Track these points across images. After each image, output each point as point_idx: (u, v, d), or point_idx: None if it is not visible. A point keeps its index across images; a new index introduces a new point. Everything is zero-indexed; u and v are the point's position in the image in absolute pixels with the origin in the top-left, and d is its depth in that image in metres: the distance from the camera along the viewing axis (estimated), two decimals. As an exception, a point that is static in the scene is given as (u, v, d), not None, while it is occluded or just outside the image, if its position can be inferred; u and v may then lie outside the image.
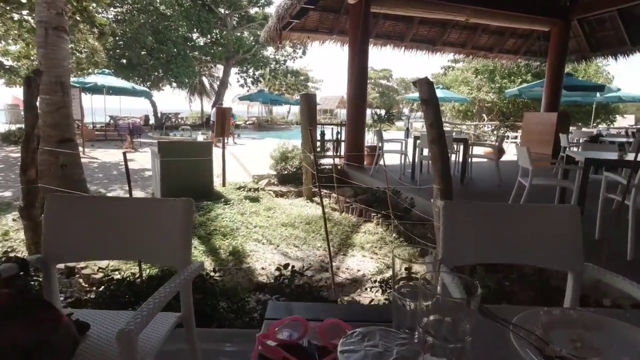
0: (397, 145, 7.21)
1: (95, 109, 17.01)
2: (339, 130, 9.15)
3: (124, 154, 3.05)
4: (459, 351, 0.56)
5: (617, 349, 0.68)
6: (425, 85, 3.44)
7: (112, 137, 14.23)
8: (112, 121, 16.53)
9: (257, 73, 25.76)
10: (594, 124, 18.21)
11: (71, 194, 1.42)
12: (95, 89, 14.27)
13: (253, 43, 23.34)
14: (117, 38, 17.68)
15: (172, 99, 29.94)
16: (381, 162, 5.76)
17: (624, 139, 8.16)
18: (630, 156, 4.12)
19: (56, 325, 1.11)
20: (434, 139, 3.48)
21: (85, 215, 1.37)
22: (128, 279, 2.40)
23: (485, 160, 8.20)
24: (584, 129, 13.84)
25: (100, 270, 2.77)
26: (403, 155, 7.12)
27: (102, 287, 2.41)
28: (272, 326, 0.65)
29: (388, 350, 0.40)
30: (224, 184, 6.89)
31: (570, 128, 11.03)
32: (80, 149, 10.79)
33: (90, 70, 15.33)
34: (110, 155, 10.73)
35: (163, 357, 1.87)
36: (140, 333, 1.01)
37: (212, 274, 2.81)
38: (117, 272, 2.68)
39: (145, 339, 1.22)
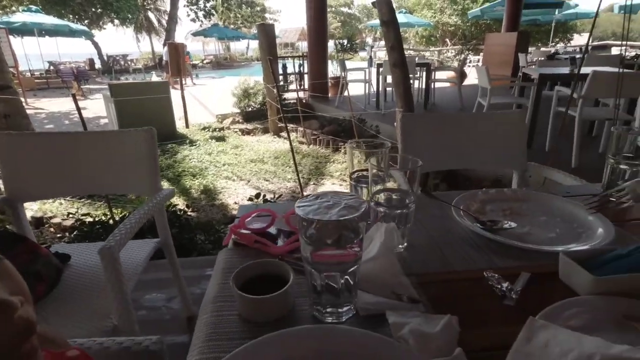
0: (360, 74, 7.11)
1: (29, 55, 15.31)
2: (302, 63, 8.84)
3: (74, 95, 2.87)
4: (405, 216, 0.65)
5: (539, 212, 0.80)
6: (385, 6, 3.34)
7: (56, 84, 13.06)
8: (51, 67, 15.03)
9: (208, 5, 23.66)
10: (552, 43, 18.48)
11: (25, 132, 1.37)
12: (25, 30, 12.68)
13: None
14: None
15: (118, 40, 27.37)
16: (345, 93, 5.72)
17: (579, 56, 8.41)
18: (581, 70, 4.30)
19: (35, 254, 1.14)
20: (396, 62, 3.48)
21: (45, 152, 1.34)
22: (100, 219, 2.41)
23: (448, 85, 8.30)
24: (542, 49, 14.06)
25: (70, 215, 2.75)
26: (367, 84, 7.07)
27: (75, 231, 2.42)
28: (242, 217, 0.72)
29: (337, 203, 0.47)
30: (187, 125, 6.68)
31: (530, 48, 11.16)
32: (22, 99, 9.95)
33: (14, 8, 13.53)
34: (57, 104, 9.96)
35: (148, 285, 1.98)
36: (121, 251, 1.07)
37: (185, 209, 2.86)
38: (87, 217, 2.67)
39: (127, 262, 1.28)
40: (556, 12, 13.34)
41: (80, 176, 1.38)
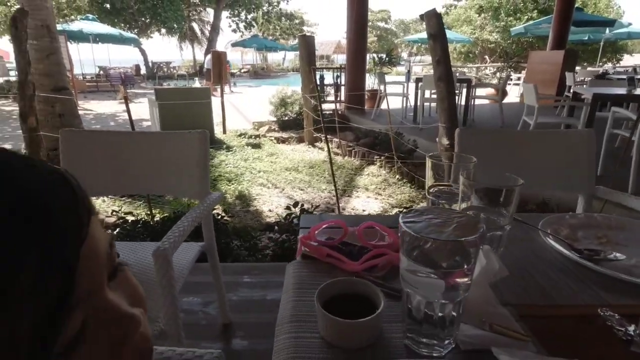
0: (398, 88, 7.04)
1: (83, 61, 16.34)
2: (339, 74, 8.88)
3: (125, 98, 2.98)
4: (498, 239, 0.58)
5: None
6: (434, 19, 3.27)
7: (104, 88, 13.81)
8: (101, 72, 15.94)
9: (249, 17, 24.41)
10: (600, 63, 17.67)
11: (86, 129, 1.40)
12: (82, 37, 13.57)
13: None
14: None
15: (163, 48, 28.74)
16: (384, 106, 5.66)
17: (633, 75, 7.96)
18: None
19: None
20: (441, 76, 3.39)
21: (102, 149, 1.37)
22: (142, 219, 2.45)
23: (487, 102, 8.06)
24: (589, 68, 13.44)
25: (113, 213, 2.83)
26: (405, 98, 6.98)
27: (118, 229, 2.47)
28: (312, 228, 0.67)
29: (449, 221, 0.41)
30: (224, 131, 6.82)
31: (576, 68, 10.72)
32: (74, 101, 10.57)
33: (72, 17, 14.49)
34: (104, 106, 10.49)
35: (190, 288, 1.98)
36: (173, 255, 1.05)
37: (223, 214, 2.88)
38: (130, 215, 2.74)
39: (174, 264, 1.26)
40: (607, 31, 12.76)
41: (133, 175, 1.39)
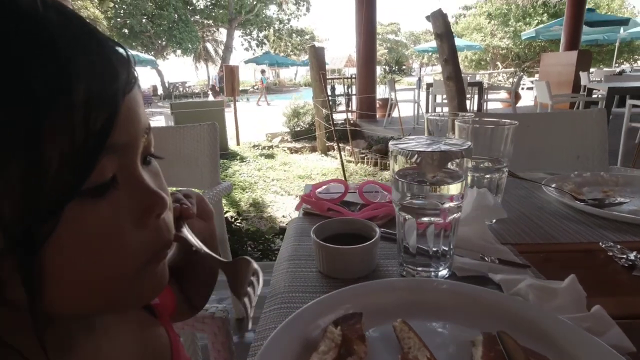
0: (409, 94, 7.07)
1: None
2: (350, 85, 8.97)
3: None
4: (496, 183, 0.58)
5: (649, 195, 0.69)
6: (440, 18, 3.31)
7: (123, 108, 14.29)
8: (120, 94, 16.52)
9: (261, 34, 25.05)
10: (616, 64, 17.30)
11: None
12: (101, 61, 14.19)
13: (254, 2, 22.53)
14: (116, 5, 17.30)
15: (178, 69, 29.63)
16: (395, 113, 5.69)
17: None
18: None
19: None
20: (450, 75, 3.40)
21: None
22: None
23: (501, 106, 7.99)
24: (605, 69, 13.17)
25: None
26: (416, 105, 6.98)
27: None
28: (314, 186, 0.69)
29: (437, 141, 0.42)
30: (238, 143, 6.94)
31: (591, 69, 10.50)
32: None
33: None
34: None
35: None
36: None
37: (237, 216, 2.91)
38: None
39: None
40: (621, 31, 12.55)
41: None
